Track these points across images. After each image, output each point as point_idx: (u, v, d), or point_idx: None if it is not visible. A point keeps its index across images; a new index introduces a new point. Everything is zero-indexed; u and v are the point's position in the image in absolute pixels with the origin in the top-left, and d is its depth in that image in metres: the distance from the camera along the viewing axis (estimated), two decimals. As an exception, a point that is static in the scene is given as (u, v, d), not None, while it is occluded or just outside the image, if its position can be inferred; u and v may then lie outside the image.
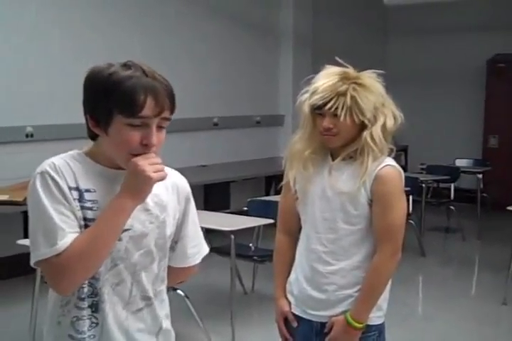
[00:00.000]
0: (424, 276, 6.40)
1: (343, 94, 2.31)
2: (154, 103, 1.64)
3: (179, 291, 4.40)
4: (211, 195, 7.11)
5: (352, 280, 2.41)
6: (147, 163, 1.64)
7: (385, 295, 2.46)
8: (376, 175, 2.35)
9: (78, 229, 1.65)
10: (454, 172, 7.99)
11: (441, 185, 8.07)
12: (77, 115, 7.01)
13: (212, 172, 7.27)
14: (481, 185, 8.16)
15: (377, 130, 2.34)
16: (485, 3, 8.39)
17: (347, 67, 2.41)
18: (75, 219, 1.65)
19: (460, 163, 8.69)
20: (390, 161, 2.40)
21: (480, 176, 8.11)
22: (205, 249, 1.98)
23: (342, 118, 2.31)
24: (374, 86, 2.37)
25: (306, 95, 2.41)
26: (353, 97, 2.31)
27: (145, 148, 1.66)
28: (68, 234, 1.62)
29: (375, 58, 9.51)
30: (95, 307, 1.72)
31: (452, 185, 7.92)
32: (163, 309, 1.86)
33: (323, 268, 2.44)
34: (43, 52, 6.00)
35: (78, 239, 1.62)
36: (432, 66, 9.80)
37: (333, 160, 2.43)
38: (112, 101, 1.63)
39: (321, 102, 2.33)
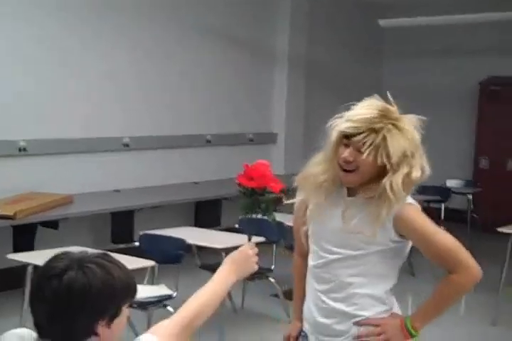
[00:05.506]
0: (414, 296, 6.39)
1: (377, 131, 2.18)
2: None
3: (168, 308, 4.36)
4: (202, 212, 7.08)
5: (360, 307, 2.39)
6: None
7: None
8: (397, 216, 2.25)
9: None
10: (445, 193, 8.03)
11: (432, 205, 8.08)
12: (70, 130, 7.01)
13: (204, 189, 7.25)
14: (472, 206, 8.20)
15: (397, 180, 2.21)
16: (479, 26, 8.45)
17: (391, 105, 2.30)
18: None
19: (451, 183, 8.72)
20: (407, 199, 2.31)
21: (470, 197, 8.16)
22: None
23: (365, 155, 2.19)
24: (411, 133, 2.27)
25: (339, 120, 2.28)
26: (384, 138, 2.18)
27: None
28: None
29: (369, 79, 9.57)
30: None
31: (442, 205, 7.96)
32: None
33: (331, 296, 2.40)
34: (38, 68, 6.01)
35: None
36: (425, 87, 9.84)
37: (348, 195, 2.34)
38: None
39: (350, 131, 2.20)
